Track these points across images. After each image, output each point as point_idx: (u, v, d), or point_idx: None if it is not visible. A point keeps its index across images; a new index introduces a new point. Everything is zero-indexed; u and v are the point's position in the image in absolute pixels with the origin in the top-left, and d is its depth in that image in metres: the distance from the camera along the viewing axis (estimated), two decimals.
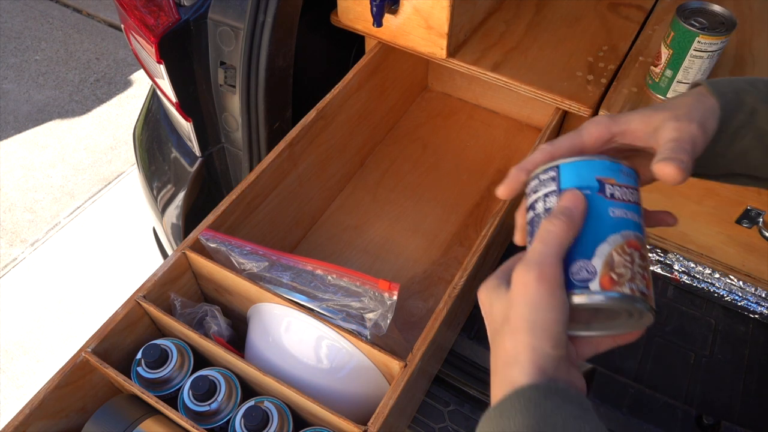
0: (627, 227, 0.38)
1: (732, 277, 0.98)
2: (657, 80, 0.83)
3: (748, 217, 0.84)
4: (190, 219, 1.11)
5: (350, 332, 0.62)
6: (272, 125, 0.96)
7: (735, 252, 0.91)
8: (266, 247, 0.69)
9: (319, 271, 0.66)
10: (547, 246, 0.37)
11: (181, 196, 1.10)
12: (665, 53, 0.80)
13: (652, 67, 0.85)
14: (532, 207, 0.42)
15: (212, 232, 0.69)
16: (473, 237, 0.96)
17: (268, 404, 0.60)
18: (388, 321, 0.63)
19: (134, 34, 0.93)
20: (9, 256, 1.92)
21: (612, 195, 0.39)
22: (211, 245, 0.68)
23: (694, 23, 0.77)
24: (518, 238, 0.44)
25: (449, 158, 1.08)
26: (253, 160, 0.99)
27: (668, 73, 0.81)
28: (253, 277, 0.67)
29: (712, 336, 0.97)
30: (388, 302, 0.62)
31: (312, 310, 0.64)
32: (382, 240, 0.96)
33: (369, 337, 0.63)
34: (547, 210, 0.40)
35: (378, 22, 0.86)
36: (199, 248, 0.70)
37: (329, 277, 0.65)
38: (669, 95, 0.83)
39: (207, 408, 0.60)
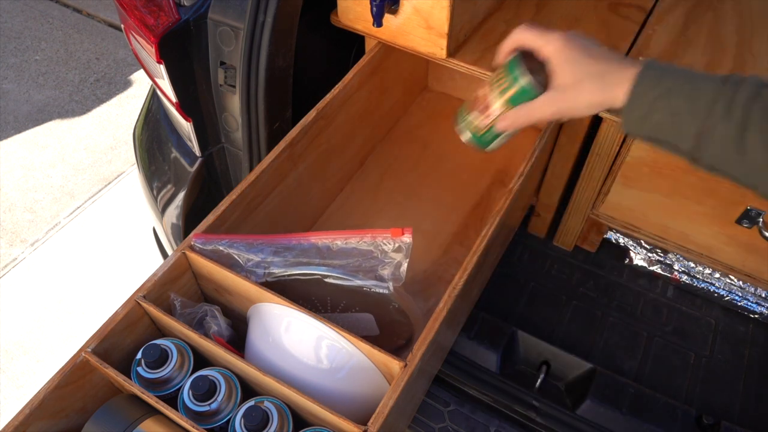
0: None
1: (732, 277, 0.99)
2: (482, 133, 0.69)
3: (748, 217, 0.84)
4: (190, 219, 1.11)
5: (350, 333, 0.62)
6: (272, 125, 0.96)
7: (735, 252, 0.91)
8: (262, 235, 0.69)
9: (322, 242, 0.66)
10: None
11: (181, 196, 1.10)
12: (499, 105, 0.65)
13: (475, 114, 0.68)
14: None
15: (204, 235, 0.69)
16: (473, 237, 0.96)
17: (268, 404, 0.60)
18: (405, 267, 0.64)
19: (134, 34, 0.93)
20: (9, 256, 1.93)
21: None
22: (208, 248, 0.68)
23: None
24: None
25: (449, 158, 1.08)
26: (253, 160, 0.99)
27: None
28: (260, 266, 0.67)
29: (712, 336, 0.97)
30: (405, 246, 0.63)
31: (329, 275, 0.64)
32: None
33: (391, 289, 0.63)
34: None
35: (378, 22, 0.86)
36: (199, 248, 0.70)
37: (335, 244, 0.65)
38: (491, 148, 0.71)
39: (207, 408, 0.60)
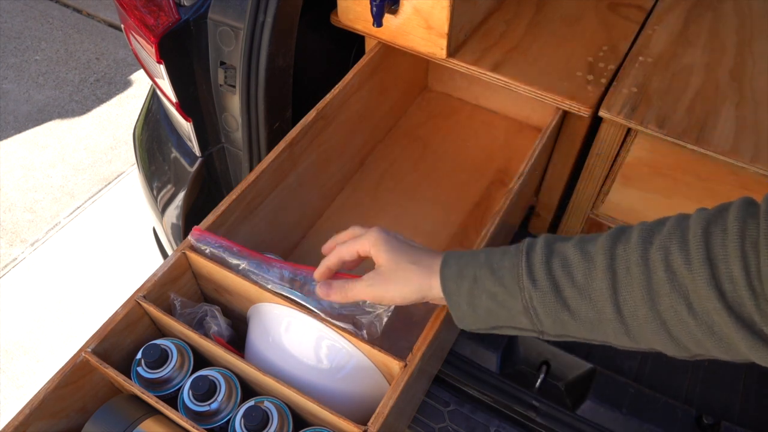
0: None
1: None
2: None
3: None
4: (190, 219, 1.11)
5: (350, 332, 0.62)
6: (272, 125, 0.96)
7: None
8: (258, 252, 0.69)
9: (310, 274, 0.66)
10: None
11: (181, 196, 1.10)
12: None
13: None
14: None
15: (202, 232, 0.69)
16: (473, 237, 0.96)
17: (268, 404, 0.60)
18: (384, 322, 0.63)
19: (134, 34, 0.93)
20: (9, 256, 1.93)
21: None
22: (202, 247, 0.68)
23: None
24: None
25: (449, 158, 1.08)
26: (253, 160, 0.99)
27: None
28: (244, 273, 0.66)
29: None
30: None
31: (311, 309, 0.64)
32: None
33: (366, 336, 0.63)
34: None
35: (378, 22, 0.86)
36: (194, 244, 0.70)
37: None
38: None
39: (207, 408, 0.60)
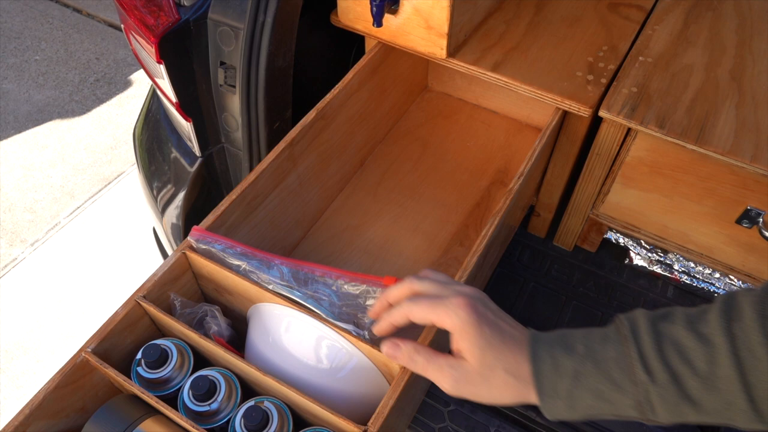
0: None
1: (732, 277, 0.98)
2: None
3: (748, 217, 0.84)
4: (190, 219, 1.11)
5: (350, 332, 0.62)
6: (272, 125, 0.96)
7: (735, 252, 0.91)
8: (259, 249, 0.69)
9: (316, 274, 0.66)
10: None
11: (181, 196, 1.10)
12: None
13: None
14: None
15: (202, 231, 0.69)
16: (473, 237, 0.96)
17: (268, 404, 0.60)
18: None
19: (134, 34, 0.93)
20: (9, 256, 1.93)
21: None
22: (202, 246, 0.68)
23: None
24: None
25: (449, 158, 1.08)
26: (253, 160, 0.99)
27: None
28: (250, 274, 0.67)
29: None
30: None
31: (311, 309, 0.64)
32: (382, 240, 0.96)
33: (368, 336, 0.63)
34: None
35: (378, 22, 0.86)
36: (194, 244, 0.70)
37: (325, 279, 0.65)
38: None
39: (207, 408, 0.60)
